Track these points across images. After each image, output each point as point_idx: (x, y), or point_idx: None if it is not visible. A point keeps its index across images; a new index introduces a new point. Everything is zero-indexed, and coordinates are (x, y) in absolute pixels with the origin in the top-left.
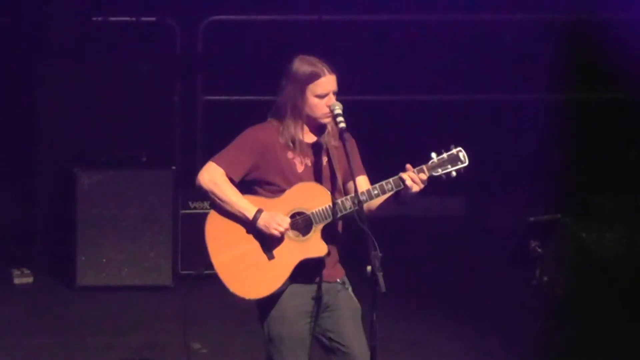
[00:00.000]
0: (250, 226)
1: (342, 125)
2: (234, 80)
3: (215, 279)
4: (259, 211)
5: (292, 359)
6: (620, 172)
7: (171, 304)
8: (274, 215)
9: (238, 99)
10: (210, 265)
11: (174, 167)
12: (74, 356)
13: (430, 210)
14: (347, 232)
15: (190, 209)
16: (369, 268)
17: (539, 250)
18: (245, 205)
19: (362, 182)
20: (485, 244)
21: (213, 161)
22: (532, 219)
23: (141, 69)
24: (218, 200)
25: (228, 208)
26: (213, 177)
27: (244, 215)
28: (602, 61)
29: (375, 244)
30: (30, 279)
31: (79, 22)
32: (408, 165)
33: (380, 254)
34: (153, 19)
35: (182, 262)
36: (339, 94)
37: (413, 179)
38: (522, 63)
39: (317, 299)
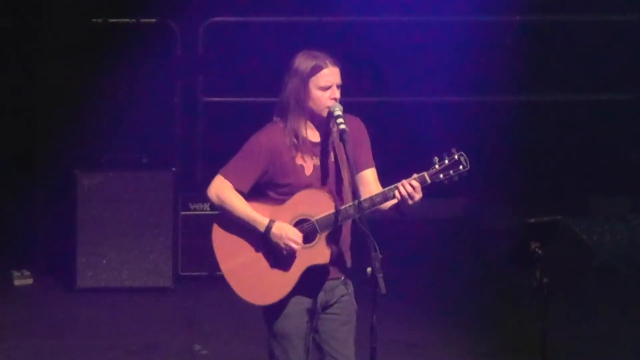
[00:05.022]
0: (260, 235)
1: (343, 127)
2: (235, 81)
3: (214, 280)
4: (272, 221)
5: (294, 355)
6: (620, 173)
7: (171, 305)
8: (287, 231)
9: (238, 101)
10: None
11: (174, 169)
12: (73, 358)
13: (430, 212)
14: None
15: (190, 211)
16: (369, 270)
17: (539, 251)
18: (256, 217)
19: (370, 176)
20: (485, 245)
21: (221, 174)
22: (532, 220)
23: (141, 70)
24: (228, 214)
25: (238, 220)
26: (221, 191)
27: (255, 227)
28: (603, 62)
29: (376, 245)
30: (30, 281)
31: (79, 24)
32: (414, 176)
33: (380, 256)
34: (153, 20)
35: (182, 263)
36: (340, 95)
37: (402, 193)
38: (521, 64)
39: (316, 301)
